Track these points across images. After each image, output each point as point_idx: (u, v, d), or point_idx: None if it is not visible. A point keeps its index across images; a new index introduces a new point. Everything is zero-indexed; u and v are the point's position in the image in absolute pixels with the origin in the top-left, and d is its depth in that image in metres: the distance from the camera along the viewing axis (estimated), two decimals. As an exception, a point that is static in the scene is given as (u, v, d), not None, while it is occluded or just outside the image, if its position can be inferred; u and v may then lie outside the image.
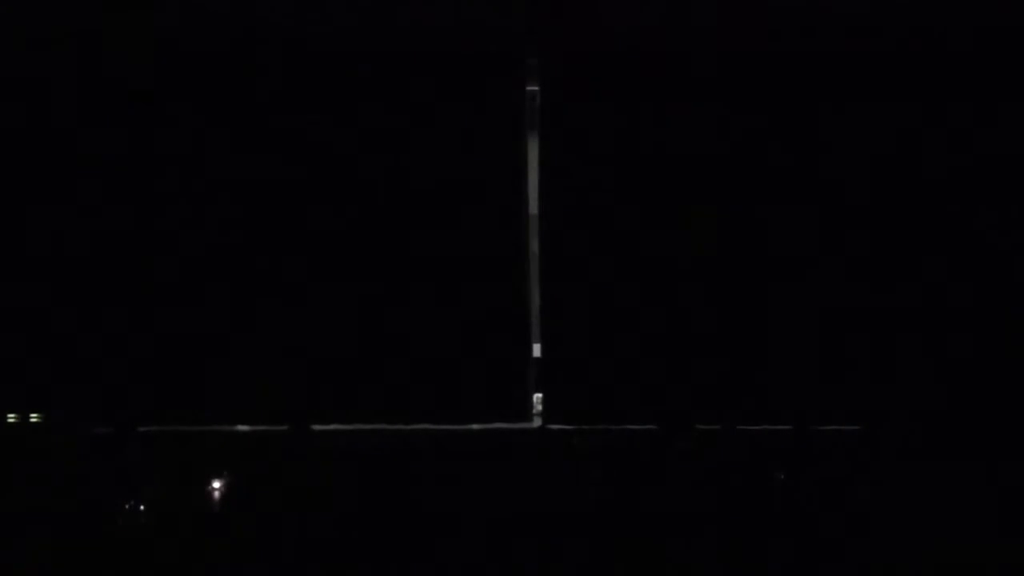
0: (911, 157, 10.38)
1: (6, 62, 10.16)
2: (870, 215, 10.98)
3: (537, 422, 11.14)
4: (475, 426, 11.36)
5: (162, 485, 6.49)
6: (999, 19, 9.96)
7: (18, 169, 10.54)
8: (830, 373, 10.79)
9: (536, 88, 11.46)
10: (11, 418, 10.21)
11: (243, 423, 11.12)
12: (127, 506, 6.21)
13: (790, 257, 11.07)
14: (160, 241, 10.94)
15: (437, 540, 5.26)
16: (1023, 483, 5.94)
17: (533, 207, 11.53)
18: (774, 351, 11.16)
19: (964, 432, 7.72)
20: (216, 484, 6.62)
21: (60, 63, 10.36)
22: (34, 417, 10.21)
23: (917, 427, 7.82)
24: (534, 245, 11.56)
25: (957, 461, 6.73)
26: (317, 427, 9.39)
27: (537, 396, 11.43)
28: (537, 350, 11.39)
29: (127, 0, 9.72)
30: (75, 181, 10.81)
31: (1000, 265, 10.39)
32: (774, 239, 11.19)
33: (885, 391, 10.68)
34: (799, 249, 10.99)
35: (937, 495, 5.87)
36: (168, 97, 10.86)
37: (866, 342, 10.80)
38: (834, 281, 11.06)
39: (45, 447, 8.61)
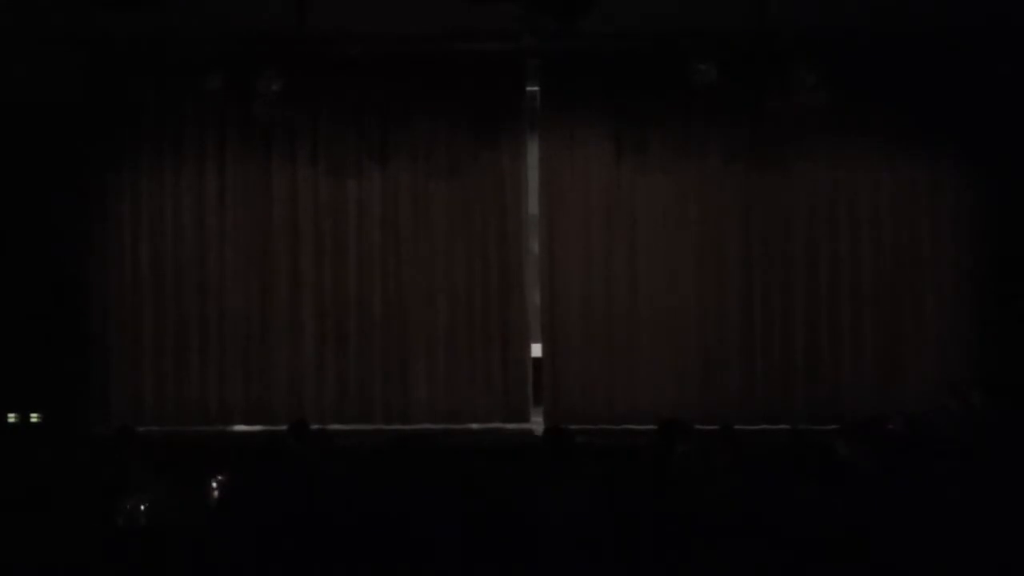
0: None
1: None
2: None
3: (537, 422, 11.21)
4: (475, 426, 11.42)
5: (162, 485, 6.49)
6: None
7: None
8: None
9: (536, 88, 11.56)
10: (11, 418, 10.22)
11: (243, 423, 11.21)
12: (127, 506, 6.21)
13: (787, 256, 11.15)
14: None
15: (437, 539, 5.26)
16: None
17: (533, 207, 11.62)
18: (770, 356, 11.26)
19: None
20: (216, 484, 6.61)
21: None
22: (34, 417, 10.22)
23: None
24: (534, 245, 11.63)
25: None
26: (317, 427, 9.37)
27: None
28: (537, 350, 11.48)
29: None
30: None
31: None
32: (770, 241, 11.26)
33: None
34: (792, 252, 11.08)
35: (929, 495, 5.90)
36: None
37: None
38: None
39: (45, 447, 8.59)
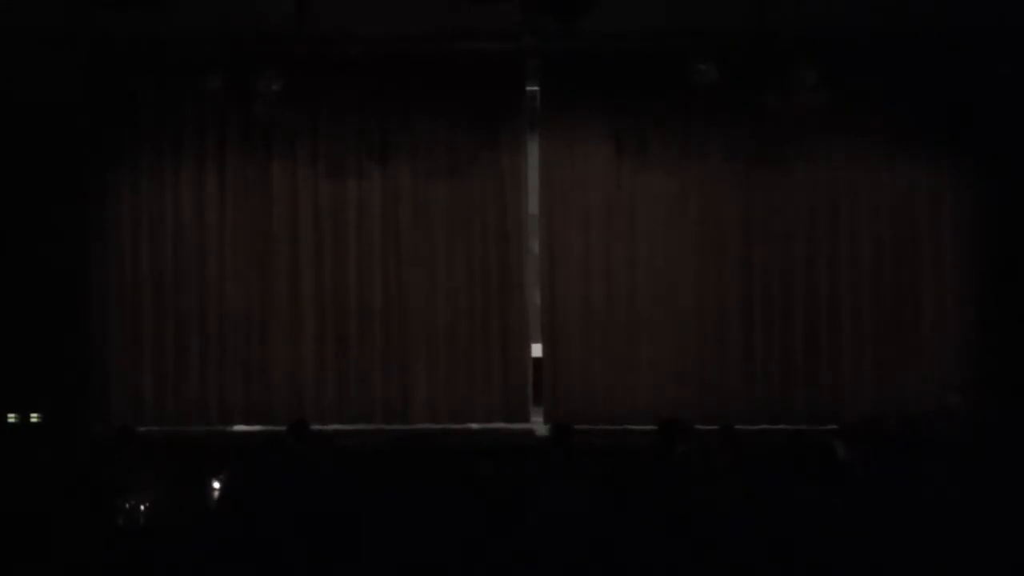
0: None
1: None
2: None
3: (537, 422, 11.22)
4: (475, 426, 11.42)
5: (162, 485, 6.50)
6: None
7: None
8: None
9: (536, 88, 11.57)
10: (11, 418, 10.22)
11: (243, 423, 11.21)
12: (127, 506, 6.22)
13: (785, 253, 11.16)
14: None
15: (437, 539, 5.26)
16: None
17: (533, 207, 11.62)
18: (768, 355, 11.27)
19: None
20: (216, 484, 6.62)
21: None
22: (34, 417, 10.22)
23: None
24: (534, 245, 11.63)
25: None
26: (317, 427, 9.38)
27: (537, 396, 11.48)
28: (537, 350, 11.48)
29: None
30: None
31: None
32: (770, 241, 11.26)
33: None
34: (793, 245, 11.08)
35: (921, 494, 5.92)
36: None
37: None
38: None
39: (45, 447, 8.60)
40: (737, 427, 8.51)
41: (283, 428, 8.82)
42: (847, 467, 6.66)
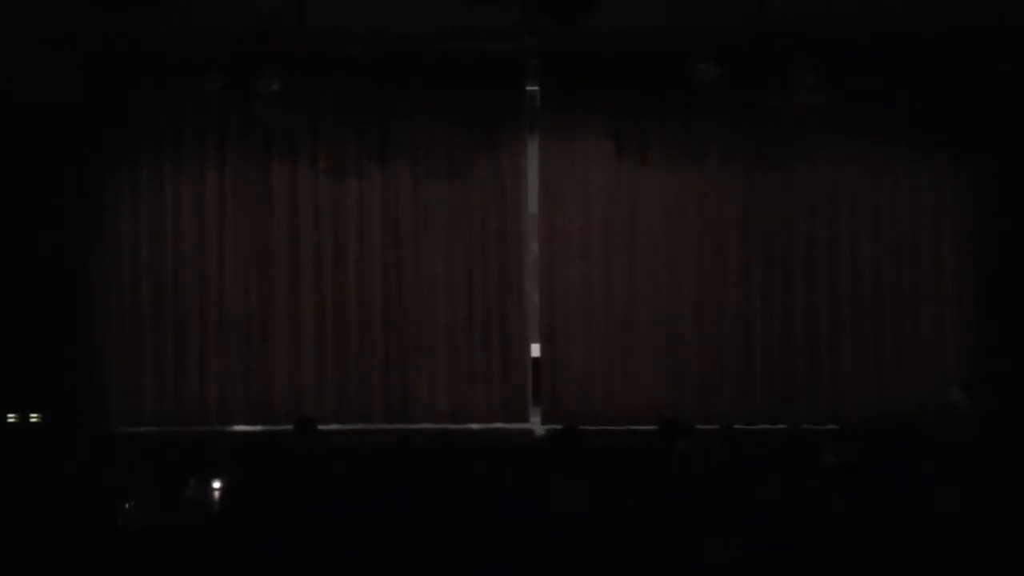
0: None
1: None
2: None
3: (537, 422, 11.22)
4: (475, 426, 11.42)
5: (162, 485, 6.50)
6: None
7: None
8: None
9: (536, 88, 11.58)
10: (11, 418, 10.23)
11: (243, 423, 11.21)
12: (127, 506, 6.22)
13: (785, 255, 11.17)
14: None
15: (437, 539, 5.27)
16: None
17: (533, 207, 11.62)
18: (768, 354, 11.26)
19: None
20: (216, 484, 6.62)
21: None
22: (34, 417, 10.23)
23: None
24: (534, 245, 11.63)
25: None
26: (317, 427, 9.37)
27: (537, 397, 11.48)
28: (537, 350, 11.49)
29: None
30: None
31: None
32: (770, 241, 11.26)
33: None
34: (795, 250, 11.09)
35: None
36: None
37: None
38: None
39: (45, 447, 8.60)
40: (737, 427, 8.51)
41: (283, 428, 8.83)
42: (840, 471, 6.66)
